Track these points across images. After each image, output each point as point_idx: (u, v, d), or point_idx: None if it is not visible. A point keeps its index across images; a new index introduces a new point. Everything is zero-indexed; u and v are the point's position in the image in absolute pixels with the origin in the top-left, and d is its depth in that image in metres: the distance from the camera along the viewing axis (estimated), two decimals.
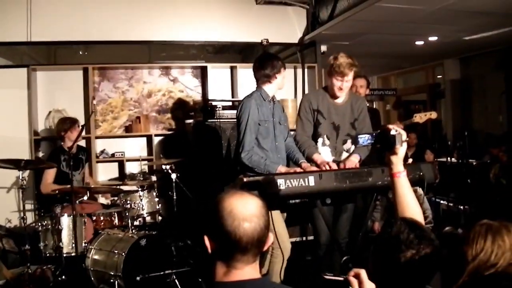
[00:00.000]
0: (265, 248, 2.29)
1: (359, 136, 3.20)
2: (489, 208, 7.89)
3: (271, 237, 2.31)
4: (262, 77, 5.40)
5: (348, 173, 4.69)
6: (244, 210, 2.19)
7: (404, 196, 2.92)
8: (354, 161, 5.33)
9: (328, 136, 5.63)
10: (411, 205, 2.88)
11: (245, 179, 4.34)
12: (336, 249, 5.38)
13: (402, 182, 2.94)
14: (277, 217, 5.22)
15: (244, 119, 5.25)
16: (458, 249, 2.14)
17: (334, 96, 5.61)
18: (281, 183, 4.36)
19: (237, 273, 2.22)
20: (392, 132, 2.94)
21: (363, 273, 2.34)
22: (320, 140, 5.64)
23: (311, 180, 4.47)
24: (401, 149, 2.95)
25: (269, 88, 5.44)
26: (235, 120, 5.73)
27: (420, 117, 6.83)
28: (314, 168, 5.14)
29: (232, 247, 2.18)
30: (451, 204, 8.23)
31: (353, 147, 5.64)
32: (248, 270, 2.24)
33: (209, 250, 2.25)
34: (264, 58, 5.56)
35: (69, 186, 6.30)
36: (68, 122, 7.28)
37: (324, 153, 5.54)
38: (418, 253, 2.17)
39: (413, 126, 7.16)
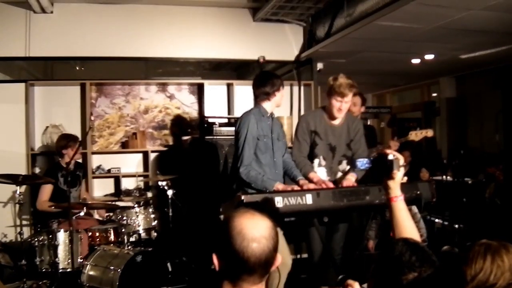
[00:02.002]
0: (272, 269, 2.29)
1: (357, 160, 3.23)
2: (484, 227, 7.90)
3: (278, 258, 2.31)
4: (261, 94, 5.41)
5: (346, 191, 4.70)
6: (254, 230, 2.20)
7: (402, 220, 2.92)
8: (351, 180, 5.35)
9: (325, 157, 5.69)
10: (408, 228, 2.89)
11: (243, 197, 4.34)
12: (331, 265, 5.39)
13: (399, 206, 2.96)
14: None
15: (243, 133, 5.25)
16: (456, 269, 2.15)
17: (333, 117, 5.67)
18: (279, 200, 4.36)
19: None
20: (390, 157, 2.95)
21: (356, 285, 2.36)
22: (316, 161, 5.70)
23: (309, 198, 4.47)
24: (399, 174, 2.97)
25: (268, 105, 5.45)
26: (232, 136, 5.75)
27: (415, 135, 6.82)
28: (312, 186, 5.15)
29: (240, 267, 2.19)
30: (446, 223, 8.23)
31: (348, 168, 5.68)
32: None
33: (217, 268, 2.24)
34: (264, 76, 5.59)
35: (65, 204, 6.31)
36: (69, 140, 7.25)
37: (319, 174, 5.57)
38: (420, 275, 2.16)
39: (407, 143, 7.14)
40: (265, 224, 2.26)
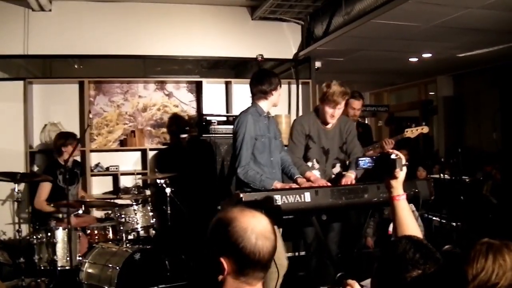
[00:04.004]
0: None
1: (360, 159, 3.23)
2: (482, 225, 7.91)
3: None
4: (258, 92, 5.40)
5: (344, 189, 4.71)
6: (262, 228, 2.22)
7: (404, 219, 2.92)
8: (350, 177, 5.37)
9: (318, 160, 5.76)
10: (410, 227, 2.88)
11: (241, 195, 4.35)
12: (329, 263, 5.41)
13: (402, 205, 2.96)
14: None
15: (240, 134, 5.24)
16: (458, 268, 2.14)
17: (325, 122, 5.72)
18: (277, 198, 4.37)
19: (258, 286, 2.28)
20: (392, 156, 2.96)
21: (356, 286, 2.36)
22: (309, 164, 5.73)
23: (307, 196, 4.49)
24: (401, 173, 2.98)
25: (265, 104, 5.45)
26: (230, 135, 5.74)
27: (411, 132, 6.85)
28: (310, 184, 5.17)
29: (254, 265, 2.21)
30: (444, 221, 8.24)
31: (341, 170, 5.72)
32: (259, 286, 2.29)
33: (226, 272, 2.20)
34: (261, 74, 5.57)
35: (64, 202, 6.33)
36: (69, 137, 7.23)
37: None
38: (424, 272, 2.16)
39: (405, 142, 7.16)
40: (266, 220, 2.28)
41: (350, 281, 2.51)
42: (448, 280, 2.14)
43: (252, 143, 5.26)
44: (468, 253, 2.14)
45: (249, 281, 2.23)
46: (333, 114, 5.57)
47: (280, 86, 5.54)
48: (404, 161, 3.00)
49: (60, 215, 6.69)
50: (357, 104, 7.22)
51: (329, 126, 5.76)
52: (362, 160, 3.23)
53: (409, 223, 2.92)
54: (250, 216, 2.25)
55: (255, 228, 2.20)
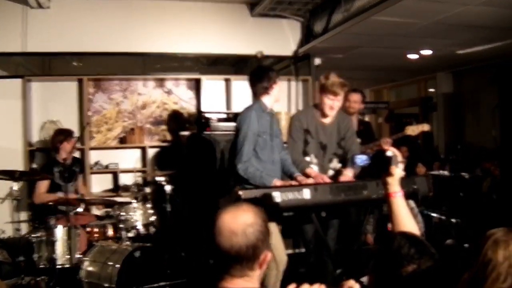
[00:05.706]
0: (260, 259, 2.37)
1: (357, 156, 3.25)
2: (481, 222, 7.91)
3: (268, 255, 2.38)
4: (260, 89, 5.42)
5: (343, 186, 4.71)
6: (225, 225, 2.33)
7: (401, 216, 2.92)
8: (348, 175, 5.36)
9: (316, 155, 5.73)
10: (407, 224, 2.88)
11: (240, 192, 4.35)
12: (329, 260, 5.41)
13: (398, 202, 2.95)
14: (273, 229, 5.21)
15: (243, 129, 5.26)
16: (453, 263, 2.16)
17: (325, 115, 5.70)
18: (277, 195, 4.37)
19: (235, 281, 2.34)
20: (388, 154, 2.96)
21: (356, 286, 2.37)
22: (307, 159, 5.71)
23: (307, 193, 4.48)
24: (397, 170, 2.97)
25: (268, 100, 5.47)
26: (230, 132, 5.75)
27: (412, 130, 6.83)
28: (310, 180, 5.16)
29: (216, 257, 2.33)
30: (443, 217, 8.24)
31: (339, 166, 5.72)
32: (240, 283, 2.34)
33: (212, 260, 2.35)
34: (259, 71, 5.59)
35: (63, 197, 6.32)
36: (63, 134, 7.26)
37: None
38: (420, 267, 2.17)
39: (404, 138, 7.14)
40: (244, 219, 2.35)
41: (350, 284, 2.52)
42: (443, 274, 2.16)
43: (254, 140, 5.27)
44: (474, 245, 2.17)
45: (224, 275, 2.35)
46: (332, 106, 5.56)
47: (278, 79, 5.56)
48: (400, 158, 2.99)
49: (59, 214, 6.67)
50: (354, 96, 7.13)
51: (327, 121, 5.74)
52: (359, 158, 3.24)
53: (406, 220, 2.91)
54: (229, 213, 2.39)
55: (220, 223, 2.33)
